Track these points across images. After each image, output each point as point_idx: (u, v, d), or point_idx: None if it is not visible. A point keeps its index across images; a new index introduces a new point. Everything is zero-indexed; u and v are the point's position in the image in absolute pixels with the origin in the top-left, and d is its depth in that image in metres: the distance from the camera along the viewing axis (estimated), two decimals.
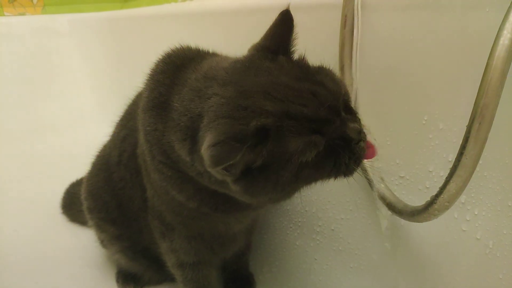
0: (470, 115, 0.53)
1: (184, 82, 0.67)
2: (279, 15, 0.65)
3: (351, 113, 0.62)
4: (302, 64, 0.64)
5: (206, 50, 0.76)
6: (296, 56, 0.66)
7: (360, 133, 0.60)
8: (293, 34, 0.65)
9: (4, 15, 2.35)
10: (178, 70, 0.70)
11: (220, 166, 0.54)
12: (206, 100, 0.60)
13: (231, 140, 0.53)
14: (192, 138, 0.61)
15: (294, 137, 0.55)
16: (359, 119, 0.63)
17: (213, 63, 0.68)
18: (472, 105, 0.52)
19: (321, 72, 0.63)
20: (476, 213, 0.69)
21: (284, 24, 0.65)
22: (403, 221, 0.80)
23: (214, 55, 0.74)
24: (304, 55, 0.65)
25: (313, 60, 0.65)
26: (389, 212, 0.78)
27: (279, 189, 0.59)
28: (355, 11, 0.78)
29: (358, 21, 0.78)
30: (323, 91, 0.58)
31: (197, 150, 0.59)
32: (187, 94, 0.64)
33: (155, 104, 0.70)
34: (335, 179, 0.63)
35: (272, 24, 0.66)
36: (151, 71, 0.74)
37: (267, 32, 0.67)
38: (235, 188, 0.60)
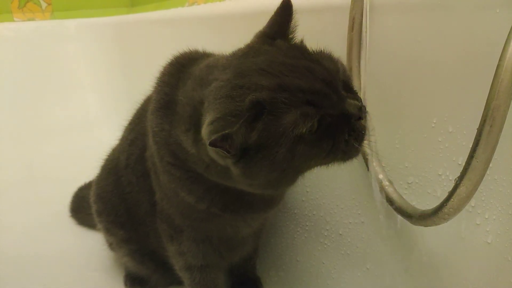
0: (480, 118, 0.52)
1: (189, 76, 0.68)
2: (280, 4, 0.66)
3: (352, 92, 0.62)
4: (300, 46, 0.65)
5: (212, 53, 0.77)
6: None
7: (361, 109, 0.60)
8: (292, 20, 0.67)
9: (13, 20, 2.37)
10: (183, 68, 0.72)
11: (216, 135, 0.54)
12: (207, 87, 0.62)
13: (227, 116, 0.55)
14: (196, 127, 0.62)
15: (288, 109, 0.55)
16: (360, 98, 0.63)
17: (217, 56, 0.70)
18: (483, 107, 0.52)
19: (320, 54, 0.63)
20: (486, 217, 0.68)
21: (283, 12, 0.67)
22: (412, 225, 0.79)
23: (222, 54, 0.75)
24: (303, 39, 0.66)
25: None
26: (398, 216, 0.77)
27: (276, 168, 0.58)
28: (363, 14, 0.78)
29: (366, 23, 0.78)
30: (319, 68, 0.59)
31: (201, 139, 0.60)
32: (190, 85, 0.66)
33: (161, 105, 0.71)
34: (337, 160, 0.62)
35: (274, 13, 0.67)
36: (159, 75, 0.76)
37: (269, 20, 0.68)
38: (236, 172, 0.60)
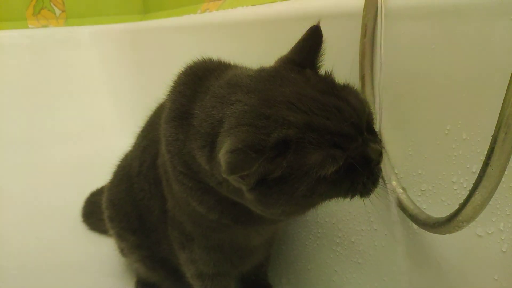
0: (495, 125, 0.51)
1: (206, 90, 0.67)
2: (308, 29, 0.65)
3: (373, 134, 0.62)
4: (328, 79, 0.63)
5: (227, 62, 0.77)
6: (322, 72, 0.66)
7: (381, 155, 0.60)
8: (321, 50, 0.65)
9: (28, 27, 2.40)
10: (200, 80, 0.70)
11: (235, 175, 0.53)
12: (228, 106, 0.60)
13: (249, 149, 0.52)
14: (212, 144, 0.61)
15: (314, 150, 0.54)
16: (380, 141, 0.63)
17: (237, 71, 0.68)
18: (497, 114, 0.51)
19: (346, 89, 0.62)
20: (501, 225, 0.67)
21: (313, 39, 0.65)
22: (425, 233, 0.78)
23: (235, 67, 0.75)
24: (331, 71, 0.65)
25: (335, 70, 0.64)
26: (412, 223, 0.77)
27: (293, 203, 0.58)
28: (376, 20, 0.78)
29: (380, 30, 0.77)
30: (348, 107, 0.57)
31: (216, 157, 0.59)
32: (209, 101, 0.64)
33: (176, 115, 0.70)
34: (351, 198, 0.62)
35: (301, 38, 0.66)
36: (173, 83, 0.75)
37: (295, 45, 0.67)
38: (249, 197, 0.60)
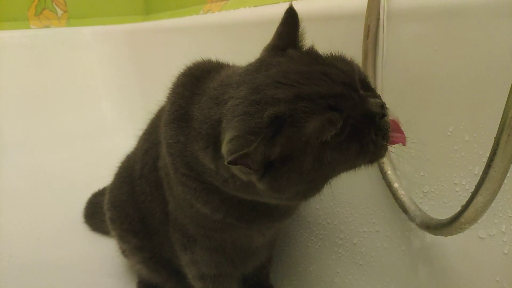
0: (498, 127, 0.51)
1: (203, 92, 0.68)
2: (284, 13, 0.66)
3: (370, 90, 0.61)
4: (311, 52, 0.64)
5: (225, 63, 0.77)
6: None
7: (383, 107, 0.58)
8: (300, 29, 0.66)
9: (30, 27, 2.40)
10: (197, 81, 0.71)
11: (234, 155, 0.53)
12: (223, 106, 0.61)
13: (246, 134, 0.54)
14: (215, 144, 0.61)
15: (309, 117, 0.54)
16: (379, 95, 0.61)
17: (230, 71, 0.69)
18: (500, 116, 0.51)
19: (332, 57, 0.62)
20: (503, 227, 0.67)
21: (289, 21, 0.66)
22: (428, 235, 0.78)
23: (233, 67, 0.75)
24: (313, 44, 0.65)
25: None
26: (413, 225, 0.76)
27: (305, 179, 0.57)
28: (379, 22, 0.78)
29: (382, 31, 0.77)
30: (335, 71, 0.58)
31: (221, 156, 0.59)
32: (206, 102, 0.65)
33: (176, 117, 0.71)
34: (366, 162, 0.60)
35: (279, 23, 0.67)
36: (172, 85, 0.76)
37: (275, 31, 0.67)
38: (261, 187, 0.59)
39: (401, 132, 0.63)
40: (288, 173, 0.56)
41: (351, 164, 0.59)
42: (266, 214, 0.74)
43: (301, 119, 0.54)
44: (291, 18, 0.66)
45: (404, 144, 0.63)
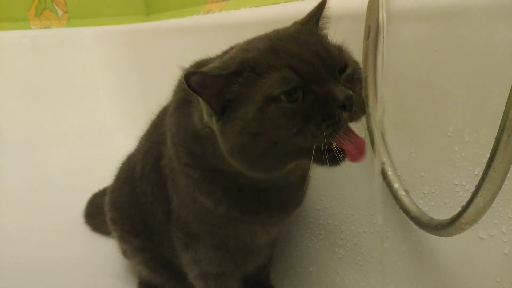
0: (498, 127, 0.51)
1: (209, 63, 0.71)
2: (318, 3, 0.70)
3: (352, 83, 0.60)
4: (316, 30, 0.68)
5: None
6: None
7: (350, 99, 0.56)
8: (323, 11, 0.69)
9: (30, 28, 2.41)
10: (202, 64, 0.74)
11: (192, 69, 0.59)
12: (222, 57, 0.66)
13: (217, 67, 0.59)
14: None
15: (270, 70, 0.57)
16: (362, 100, 0.61)
17: None
18: (500, 117, 0.51)
19: (330, 41, 0.65)
20: (504, 227, 0.67)
21: (318, 7, 0.69)
22: (428, 235, 0.78)
23: None
24: (327, 32, 0.70)
25: None
26: (414, 226, 0.76)
27: (246, 129, 0.58)
28: (379, 22, 0.78)
29: (383, 32, 0.77)
30: (320, 46, 0.60)
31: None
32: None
33: (179, 104, 0.75)
34: (305, 141, 0.57)
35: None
36: (177, 80, 0.79)
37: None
38: (217, 131, 0.62)
39: (360, 140, 0.60)
40: (234, 119, 0.59)
41: (290, 135, 0.57)
42: (268, 206, 0.76)
43: (263, 70, 0.57)
44: (319, 6, 0.69)
45: (353, 160, 0.60)
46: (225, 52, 0.70)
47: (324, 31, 0.70)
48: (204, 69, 0.59)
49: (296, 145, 0.58)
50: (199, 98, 0.62)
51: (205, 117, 0.65)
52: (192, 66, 0.75)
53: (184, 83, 0.57)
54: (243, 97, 0.58)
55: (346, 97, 0.56)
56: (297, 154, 0.60)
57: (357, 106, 0.58)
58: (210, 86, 0.58)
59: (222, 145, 0.62)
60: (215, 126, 0.62)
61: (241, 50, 0.62)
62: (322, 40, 0.63)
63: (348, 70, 0.61)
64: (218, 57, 0.71)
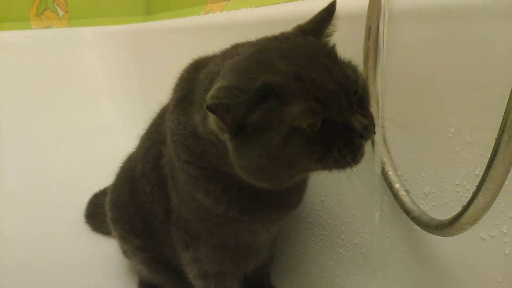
0: (499, 128, 0.51)
1: (209, 62, 0.70)
2: (327, 5, 0.68)
3: (364, 109, 0.61)
4: (328, 46, 0.65)
5: None
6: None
7: (366, 129, 0.58)
8: (331, 22, 0.67)
9: (31, 28, 2.41)
10: (202, 63, 0.73)
11: (215, 102, 0.55)
12: (227, 60, 0.63)
13: (235, 88, 0.55)
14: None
15: (295, 99, 0.56)
16: (372, 120, 0.62)
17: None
18: (501, 117, 0.51)
19: (346, 62, 0.63)
20: (505, 227, 0.67)
21: (325, 12, 0.68)
22: (429, 235, 0.78)
23: None
24: (335, 44, 0.67)
25: None
26: (415, 226, 0.76)
27: (266, 154, 0.58)
28: (380, 23, 0.78)
29: (383, 32, 0.77)
30: (340, 72, 0.59)
31: (207, 115, 0.62)
32: (212, 65, 0.68)
33: (178, 102, 0.74)
34: (327, 166, 0.60)
35: (318, 12, 0.69)
36: (177, 78, 0.78)
37: (310, 18, 0.70)
38: (230, 148, 0.60)
39: None
40: (255, 142, 0.58)
41: (312, 162, 0.59)
42: (268, 205, 0.75)
43: (288, 97, 0.56)
44: (328, 11, 0.68)
45: None
46: (226, 52, 0.70)
47: (330, 39, 0.69)
48: (225, 95, 0.55)
49: (317, 168, 0.61)
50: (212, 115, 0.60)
51: (213, 126, 0.63)
52: (192, 67, 0.75)
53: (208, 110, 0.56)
54: (265, 123, 0.57)
55: (363, 127, 0.58)
56: (309, 171, 0.63)
57: (370, 126, 0.60)
58: (232, 114, 0.56)
59: (235, 160, 0.62)
60: (227, 142, 0.61)
61: (256, 63, 0.59)
62: (339, 62, 0.61)
63: (359, 91, 0.61)
64: (219, 56, 0.70)
